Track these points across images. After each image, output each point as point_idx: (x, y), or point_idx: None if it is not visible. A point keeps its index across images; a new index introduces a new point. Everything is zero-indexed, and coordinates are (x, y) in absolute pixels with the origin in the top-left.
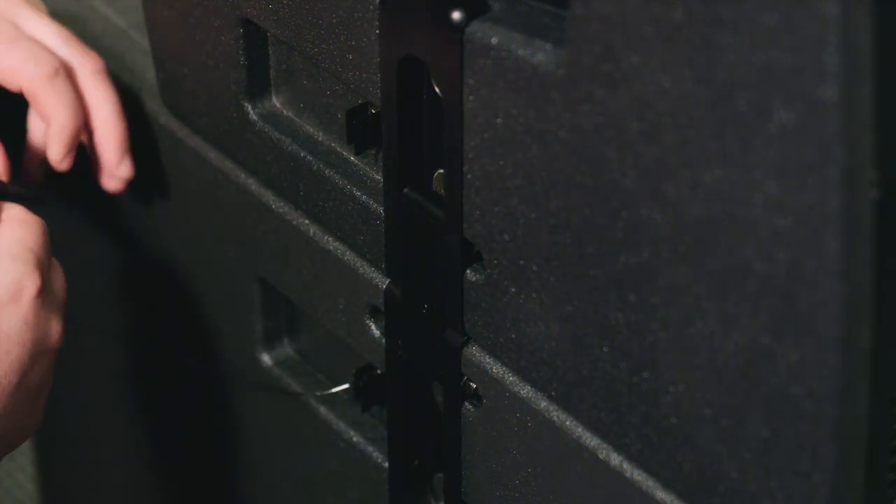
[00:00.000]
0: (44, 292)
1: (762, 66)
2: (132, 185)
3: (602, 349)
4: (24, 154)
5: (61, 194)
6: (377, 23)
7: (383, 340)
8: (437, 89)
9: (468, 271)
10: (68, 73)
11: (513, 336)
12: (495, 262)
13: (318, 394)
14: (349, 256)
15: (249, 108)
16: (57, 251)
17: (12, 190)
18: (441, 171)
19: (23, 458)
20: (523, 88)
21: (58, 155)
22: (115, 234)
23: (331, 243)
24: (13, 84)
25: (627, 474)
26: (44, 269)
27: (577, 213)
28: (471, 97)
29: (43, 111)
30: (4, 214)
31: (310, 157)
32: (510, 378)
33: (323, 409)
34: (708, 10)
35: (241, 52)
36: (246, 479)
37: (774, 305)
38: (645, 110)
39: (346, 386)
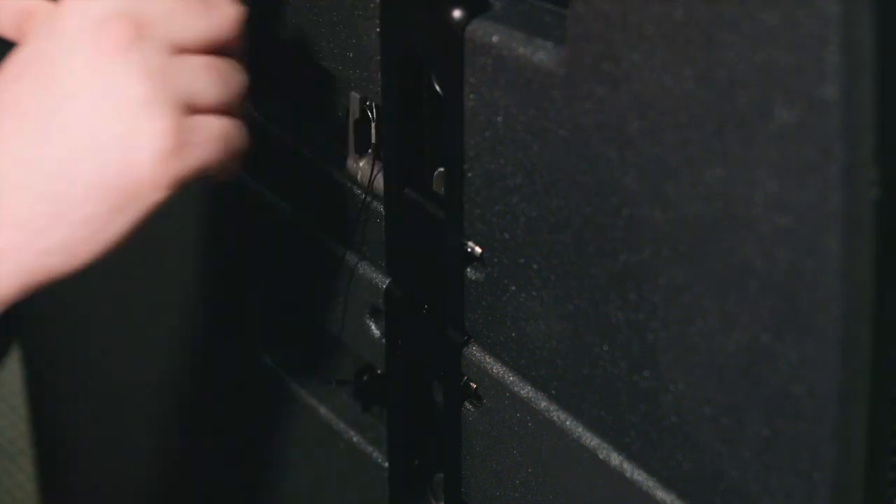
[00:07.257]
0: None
1: (763, 64)
2: None
3: (602, 348)
4: None
5: None
6: (378, 21)
7: (383, 340)
8: (437, 87)
9: (468, 270)
10: None
11: (513, 335)
12: (495, 260)
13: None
14: (349, 256)
15: (250, 106)
16: None
17: None
18: (441, 170)
19: (23, 458)
20: (524, 87)
21: None
22: None
23: (331, 243)
24: None
25: (627, 474)
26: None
27: (578, 211)
28: (471, 95)
29: None
30: None
31: (310, 156)
32: (510, 378)
33: (323, 410)
34: (709, 8)
35: None
36: (246, 479)
37: (775, 304)
38: (646, 109)
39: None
